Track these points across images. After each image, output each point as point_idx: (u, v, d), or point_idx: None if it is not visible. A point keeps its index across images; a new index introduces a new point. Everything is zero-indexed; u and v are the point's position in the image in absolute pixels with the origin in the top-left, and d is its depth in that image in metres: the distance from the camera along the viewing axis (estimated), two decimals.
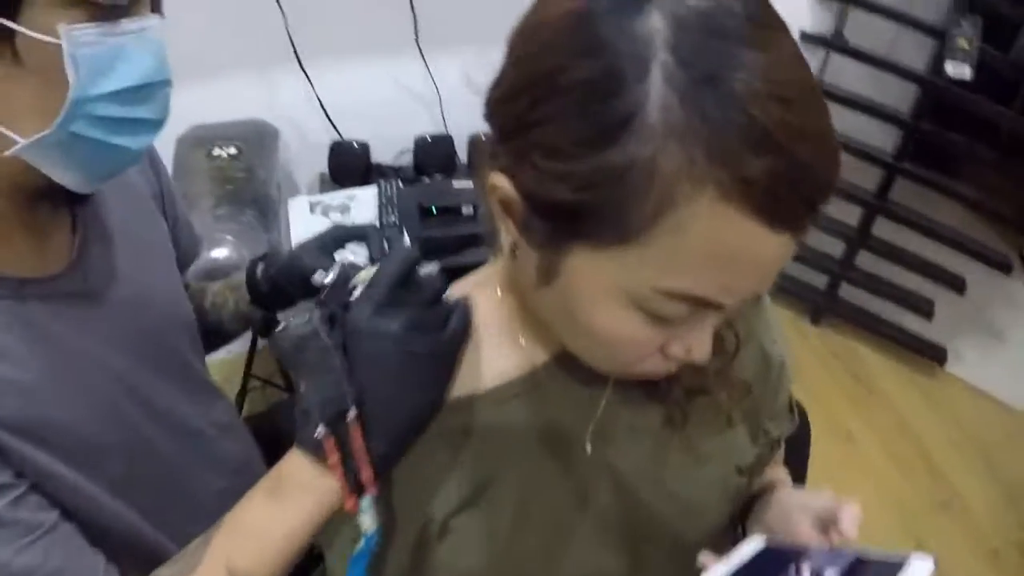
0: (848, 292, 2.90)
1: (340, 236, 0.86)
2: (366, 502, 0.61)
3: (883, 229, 2.74)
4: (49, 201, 0.74)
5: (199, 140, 1.91)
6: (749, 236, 0.46)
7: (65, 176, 0.67)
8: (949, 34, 2.20)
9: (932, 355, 2.84)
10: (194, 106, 1.92)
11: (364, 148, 2.14)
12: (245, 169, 1.88)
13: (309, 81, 2.07)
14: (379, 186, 1.98)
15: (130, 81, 0.64)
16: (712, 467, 0.74)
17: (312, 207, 1.94)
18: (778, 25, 0.49)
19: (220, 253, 1.72)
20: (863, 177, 2.71)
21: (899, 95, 2.49)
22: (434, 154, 2.15)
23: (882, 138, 2.64)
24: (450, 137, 2.16)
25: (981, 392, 2.84)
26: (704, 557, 0.64)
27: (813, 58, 2.55)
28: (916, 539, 2.28)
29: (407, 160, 2.19)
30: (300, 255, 0.86)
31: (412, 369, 0.60)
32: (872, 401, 2.73)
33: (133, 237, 0.86)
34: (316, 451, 0.59)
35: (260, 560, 0.63)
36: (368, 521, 0.61)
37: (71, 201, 0.76)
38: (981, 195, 2.75)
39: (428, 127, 2.19)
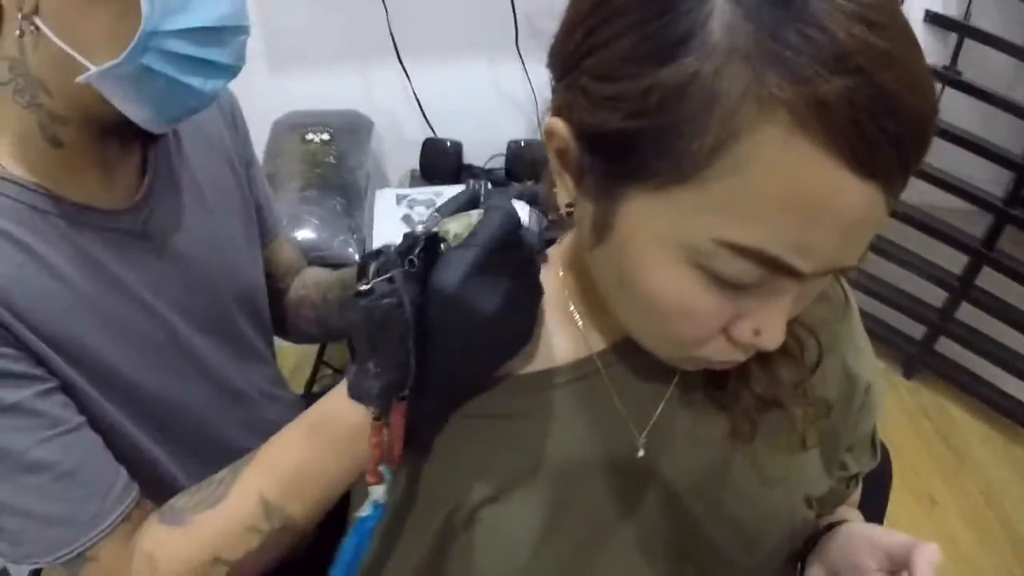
0: (946, 346, 2.73)
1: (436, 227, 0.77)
2: (388, 474, 0.58)
3: (988, 280, 2.56)
4: (120, 137, 0.74)
5: (295, 124, 1.95)
6: (827, 177, 0.40)
7: (134, 111, 0.67)
8: None
9: None
10: (294, 92, 1.97)
11: (457, 147, 2.15)
12: (336, 156, 1.91)
13: (407, 77, 2.10)
14: (468, 185, 1.97)
15: (205, 21, 0.64)
16: (778, 492, 0.66)
17: (399, 199, 1.95)
18: None
19: (303, 234, 1.75)
20: (971, 223, 2.55)
21: (1014, 136, 2.36)
22: (526, 159, 2.13)
23: (993, 182, 2.48)
24: (543, 143, 2.13)
25: None
26: None
27: None
28: None
29: (498, 163, 2.18)
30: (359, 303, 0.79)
31: (493, 349, 0.58)
32: (960, 466, 2.58)
33: (206, 193, 0.86)
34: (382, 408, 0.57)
35: (297, 501, 0.62)
36: (381, 492, 0.58)
37: (143, 141, 0.77)
38: None
39: (522, 132, 2.19)
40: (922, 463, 2.52)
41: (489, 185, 1.98)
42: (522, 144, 2.14)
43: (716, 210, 0.43)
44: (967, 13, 2.29)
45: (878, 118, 0.39)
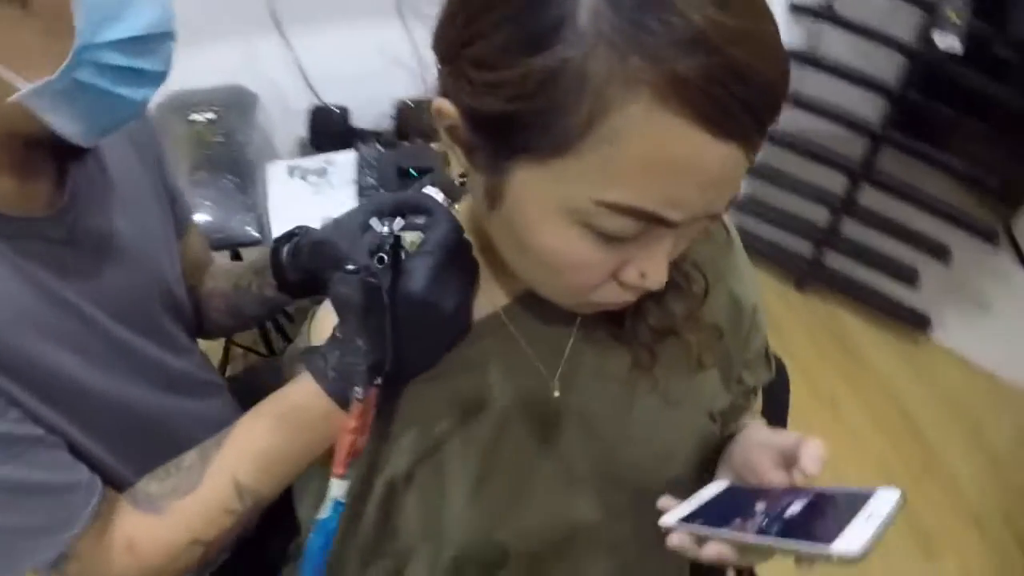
0: (833, 260, 2.91)
1: (382, 211, 0.74)
2: (350, 473, 0.63)
3: (869, 198, 2.76)
4: (41, 150, 0.73)
5: (177, 106, 1.90)
6: (688, 142, 0.45)
7: (67, 126, 0.66)
8: (938, 6, 2.19)
9: (916, 323, 2.86)
10: (173, 72, 1.90)
11: (344, 112, 2.14)
12: (223, 134, 1.87)
13: (289, 46, 2.06)
14: (358, 149, 1.97)
15: (136, 30, 0.64)
16: (683, 411, 0.73)
17: (291, 171, 1.94)
18: None
19: (199, 217, 1.71)
20: (849, 146, 2.73)
21: (887, 66, 2.50)
22: (415, 118, 2.13)
23: (869, 108, 2.65)
24: (431, 101, 2.13)
25: (965, 360, 2.86)
26: (664, 500, 0.63)
27: (802, 28, 2.56)
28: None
29: (388, 125, 2.18)
30: (335, 240, 0.75)
31: (451, 336, 0.66)
32: (856, 368, 2.74)
33: (125, 192, 0.85)
34: (342, 402, 0.63)
35: (267, 482, 0.69)
36: (340, 488, 0.62)
37: (64, 151, 0.76)
38: (967, 166, 2.74)
39: (409, 91, 2.16)
40: (822, 370, 2.67)
41: (380, 148, 1.99)
42: (410, 104, 2.14)
43: (593, 176, 0.47)
44: None
45: (731, 89, 0.43)
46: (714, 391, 0.76)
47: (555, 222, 0.51)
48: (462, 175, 0.58)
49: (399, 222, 0.64)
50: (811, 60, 2.56)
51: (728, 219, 0.75)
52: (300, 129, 2.16)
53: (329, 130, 2.13)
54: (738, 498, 0.61)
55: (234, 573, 0.99)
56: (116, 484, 0.75)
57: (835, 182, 2.76)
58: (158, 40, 0.67)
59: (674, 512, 0.61)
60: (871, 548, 0.47)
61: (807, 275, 2.95)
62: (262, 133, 2.07)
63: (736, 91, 0.44)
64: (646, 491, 0.67)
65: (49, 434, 0.70)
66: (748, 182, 2.90)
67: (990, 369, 2.83)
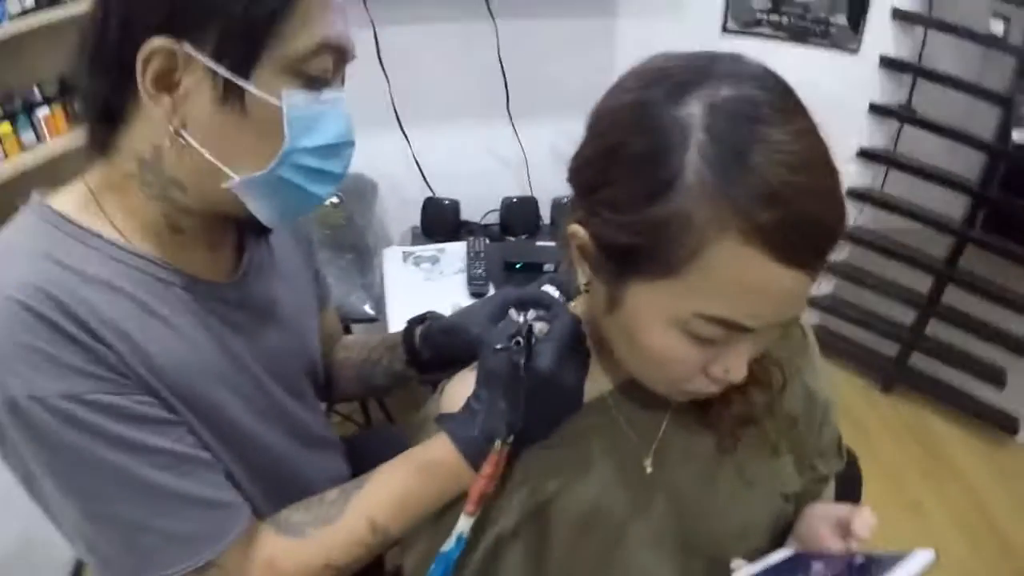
0: (919, 361, 2.89)
1: (511, 303, 0.88)
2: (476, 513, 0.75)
3: (954, 297, 2.74)
4: (231, 226, 0.89)
5: None
6: (765, 272, 0.56)
7: (263, 211, 0.78)
8: (1016, 102, 2.25)
9: (1004, 425, 2.78)
10: None
11: (455, 205, 2.33)
12: (345, 217, 2.08)
13: (408, 141, 2.28)
14: (468, 242, 2.14)
15: (327, 140, 0.76)
16: (759, 492, 0.83)
17: (405, 257, 2.13)
18: (795, 108, 0.60)
19: None
20: (933, 245, 2.74)
21: (968, 164, 2.55)
22: (519, 215, 2.32)
23: (952, 206, 2.67)
24: (535, 199, 2.34)
25: None
26: (736, 562, 0.74)
27: (883, 128, 2.65)
28: None
29: (494, 219, 2.37)
30: (467, 325, 0.94)
31: (568, 411, 0.78)
32: (942, 471, 2.68)
33: (286, 268, 1.00)
34: (475, 457, 0.75)
35: (397, 523, 0.81)
36: (466, 524, 0.75)
37: (246, 229, 0.92)
38: None
39: (515, 190, 2.37)
40: (907, 473, 2.63)
41: (487, 240, 2.16)
42: (515, 201, 2.32)
43: (693, 294, 0.59)
44: (920, 56, 2.51)
45: (797, 234, 0.56)
46: (789, 475, 0.85)
47: (661, 326, 0.63)
48: (587, 284, 0.71)
49: (532, 313, 0.79)
50: (892, 160, 2.64)
51: (806, 321, 0.87)
52: (414, 218, 2.35)
53: (440, 220, 2.32)
54: (801, 562, 0.72)
55: None
56: (255, 513, 0.86)
57: (920, 281, 2.76)
58: (343, 147, 0.81)
59: (744, 571, 0.71)
60: None
61: (893, 377, 2.92)
62: (380, 219, 2.27)
63: (801, 236, 0.56)
64: (719, 562, 0.78)
65: (215, 460, 0.83)
66: (833, 282, 2.96)
67: None
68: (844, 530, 0.71)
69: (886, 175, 2.86)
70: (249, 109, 0.71)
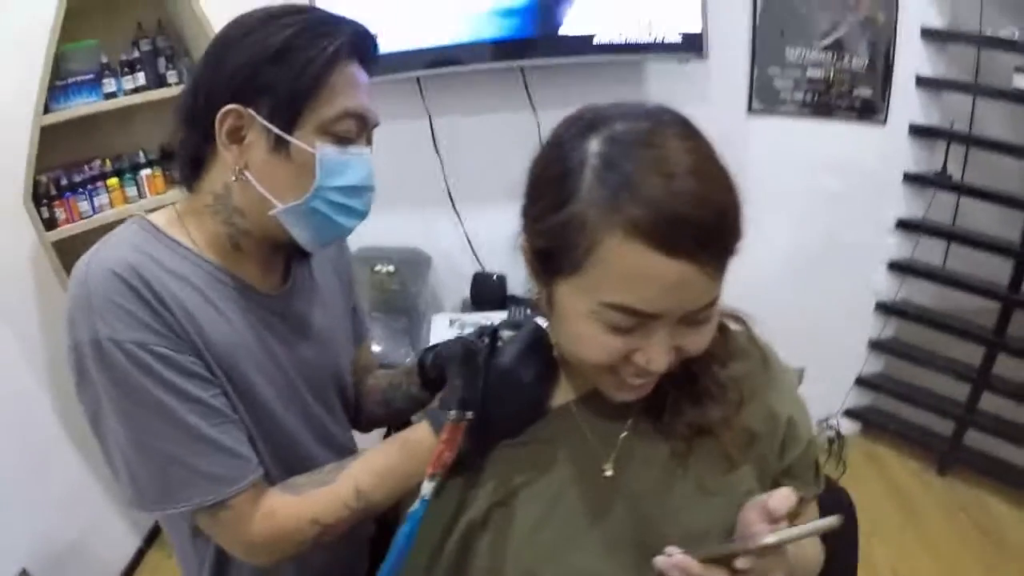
0: (974, 439, 2.76)
1: (498, 327, 1.01)
2: (438, 477, 0.86)
3: (1006, 366, 2.63)
4: (279, 248, 1.05)
5: (367, 257, 2.34)
6: (648, 261, 0.66)
7: (301, 235, 0.97)
8: None
9: None
10: (364, 232, 2.32)
11: (502, 280, 2.50)
12: (400, 284, 2.28)
13: (459, 219, 2.48)
14: (510, 311, 2.31)
15: (352, 182, 0.96)
16: (717, 501, 0.84)
17: (451, 322, 2.30)
18: (681, 133, 0.71)
19: (372, 347, 2.06)
20: (982, 315, 2.65)
21: (1011, 225, 2.49)
22: None
23: (997, 272, 2.58)
24: None
25: None
26: (671, 548, 0.74)
27: (920, 198, 2.65)
28: None
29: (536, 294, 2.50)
30: (456, 343, 1.07)
31: (528, 407, 0.88)
32: (997, 553, 2.53)
33: (324, 294, 1.18)
34: (438, 428, 0.86)
35: (378, 490, 0.92)
36: (428, 488, 0.85)
37: (292, 254, 1.11)
38: None
39: None
40: (962, 558, 2.49)
41: (527, 310, 2.30)
42: None
43: (595, 286, 0.70)
44: (951, 123, 2.53)
45: (671, 227, 0.66)
46: (749, 488, 0.85)
47: (582, 318, 0.72)
48: (537, 293, 0.80)
49: (496, 326, 0.93)
50: (929, 228, 2.62)
51: (767, 344, 0.93)
52: (464, 290, 2.53)
53: (488, 293, 2.49)
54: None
55: None
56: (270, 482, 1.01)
57: (972, 355, 2.67)
58: (364, 190, 0.99)
59: (675, 551, 0.75)
60: (786, 541, 0.67)
61: (947, 455, 2.79)
62: (432, 290, 2.45)
63: (673, 229, 0.65)
64: None
65: (242, 423, 0.98)
66: (886, 360, 2.91)
67: None
68: (769, 513, 0.73)
69: (916, 244, 2.78)
70: (293, 156, 0.92)
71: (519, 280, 2.50)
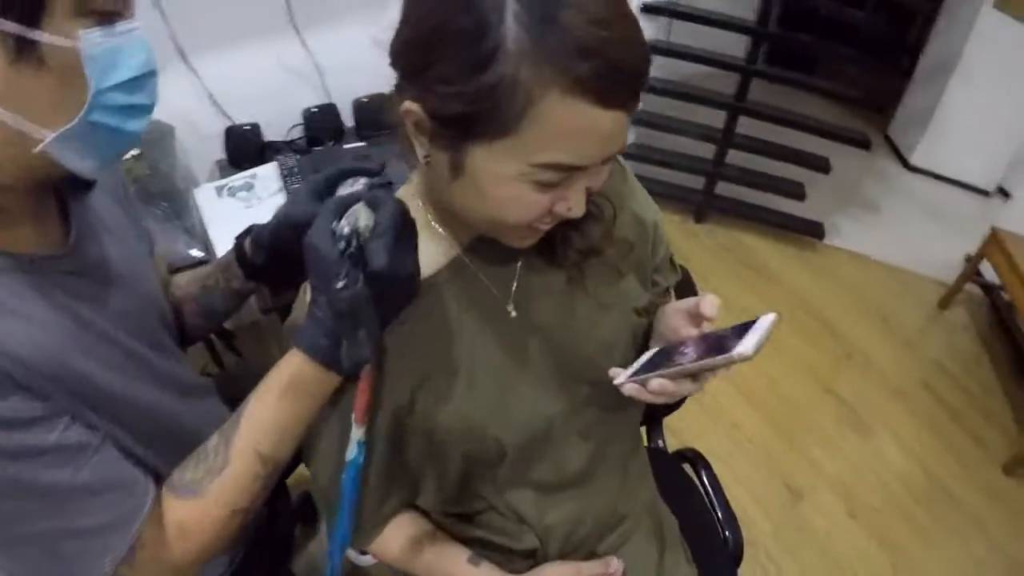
0: (725, 189, 3.16)
1: (332, 178, 0.92)
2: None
3: (747, 127, 3.00)
4: (50, 192, 0.84)
5: None
6: (588, 116, 0.64)
7: (81, 164, 0.74)
8: None
9: (811, 231, 3.13)
10: None
11: (256, 129, 2.26)
12: (149, 166, 1.97)
13: (196, 75, 2.16)
14: (277, 161, 2.11)
15: (131, 72, 0.73)
16: (615, 312, 0.92)
17: (219, 191, 2.06)
18: None
19: None
20: (723, 84, 2.97)
21: (746, 6, 2.76)
22: (322, 123, 2.30)
23: (735, 47, 2.91)
24: (334, 106, 2.31)
25: (861, 256, 3.13)
26: (613, 371, 0.81)
27: None
28: (830, 391, 2.52)
29: (299, 133, 2.32)
30: (290, 212, 0.96)
31: (411, 294, 0.80)
32: (764, 281, 2.97)
33: (110, 224, 0.95)
34: (331, 361, 0.79)
35: (283, 446, 0.84)
36: (359, 432, 0.81)
37: (65, 192, 0.87)
38: (832, 84, 3.02)
39: (313, 100, 2.32)
40: (733, 289, 2.89)
41: (296, 156, 2.14)
42: (315, 110, 2.29)
43: (529, 147, 0.66)
44: None
45: (611, 79, 0.63)
46: (636, 292, 0.94)
47: (506, 180, 0.69)
48: (427, 156, 0.74)
49: (363, 181, 0.83)
50: (678, 12, 2.81)
51: (622, 160, 0.94)
52: (217, 151, 2.27)
53: (244, 147, 2.25)
54: (666, 352, 0.79)
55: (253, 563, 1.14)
56: (155, 479, 0.85)
57: (715, 118, 2.99)
58: (147, 78, 0.77)
59: (623, 374, 0.79)
60: (759, 349, 0.66)
61: (703, 207, 3.19)
62: (183, 161, 2.15)
63: (614, 81, 0.63)
64: (599, 382, 0.84)
65: (103, 438, 0.80)
66: (637, 131, 3.12)
67: (885, 260, 3.11)
68: (695, 317, 0.80)
69: (670, 27, 3.09)
70: (47, 60, 0.66)
71: (276, 124, 2.31)
